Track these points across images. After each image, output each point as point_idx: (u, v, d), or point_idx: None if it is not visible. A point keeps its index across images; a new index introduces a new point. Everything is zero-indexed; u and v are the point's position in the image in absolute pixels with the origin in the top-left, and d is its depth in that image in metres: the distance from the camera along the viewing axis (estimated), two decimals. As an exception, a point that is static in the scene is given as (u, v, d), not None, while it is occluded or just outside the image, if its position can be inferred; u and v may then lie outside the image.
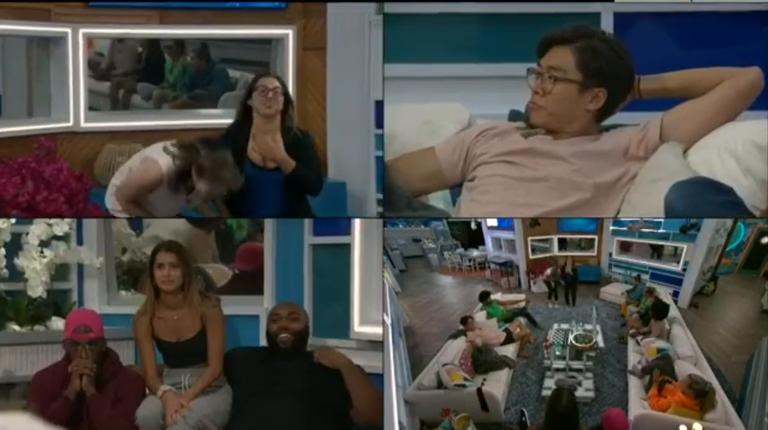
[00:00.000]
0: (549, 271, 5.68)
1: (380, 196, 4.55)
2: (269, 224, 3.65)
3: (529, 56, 2.72)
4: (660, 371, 3.36)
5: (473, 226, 6.35)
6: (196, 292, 3.18)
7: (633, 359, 3.86)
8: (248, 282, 3.93)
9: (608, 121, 2.79)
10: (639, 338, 4.08)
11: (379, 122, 4.51)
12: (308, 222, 3.56)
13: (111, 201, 3.34)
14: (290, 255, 3.56)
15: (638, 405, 3.24)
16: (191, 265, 3.21)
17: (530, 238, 5.74)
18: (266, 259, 3.64)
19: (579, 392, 3.64)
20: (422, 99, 3.06)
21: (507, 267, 5.99)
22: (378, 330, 3.16)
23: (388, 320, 3.21)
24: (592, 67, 2.64)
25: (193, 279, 3.21)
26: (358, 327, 3.29)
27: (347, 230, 3.37)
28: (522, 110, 2.94)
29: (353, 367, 3.01)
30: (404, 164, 2.87)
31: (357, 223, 3.37)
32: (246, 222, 4.43)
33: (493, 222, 5.97)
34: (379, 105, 4.47)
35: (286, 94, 3.34)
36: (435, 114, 2.97)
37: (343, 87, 4.70)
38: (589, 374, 3.90)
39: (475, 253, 6.45)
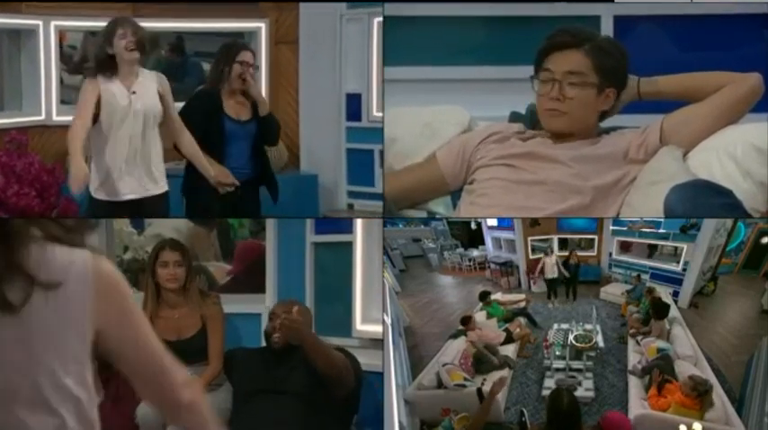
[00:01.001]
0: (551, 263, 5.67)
1: (352, 188, 4.59)
2: (271, 222, 3.67)
3: (529, 59, 2.71)
4: (660, 370, 3.36)
5: (473, 226, 6.35)
6: (197, 291, 3.19)
7: (633, 359, 3.86)
8: (248, 280, 3.94)
9: (607, 124, 2.79)
10: (639, 338, 4.08)
11: (351, 115, 4.56)
12: (309, 220, 3.58)
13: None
14: (292, 253, 3.57)
15: (638, 405, 3.25)
16: (192, 264, 3.22)
17: (530, 238, 5.74)
18: (268, 257, 3.65)
19: (579, 392, 3.65)
20: (422, 102, 3.05)
21: (507, 267, 5.98)
22: (379, 328, 3.17)
23: (388, 320, 3.22)
24: (606, 67, 2.64)
25: (194, 277, 3.22)
26: (360, 326, 3.30)
27: (349, 228, 3.38)
28: (523, 111, 2.94)
29: (313, 340, 2.96)
30: (407, 177, 2.87)
31: (359, 221, 3.39)
32: (248, 221, 4.43)
33: (493, 222, 5.97)
34: (351, 98, 4.53)
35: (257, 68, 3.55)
36: (435, 117, 2.97)
37: (314, 80, 4.75)
38: (589, 374, 3.90)
39: (475, 253, 6.44)
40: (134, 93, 3.17)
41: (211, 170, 3.38)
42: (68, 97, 4.46)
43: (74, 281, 1.20)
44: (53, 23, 4.38)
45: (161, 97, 3.23)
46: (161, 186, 3.27)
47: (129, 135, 3.16)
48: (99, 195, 3.23)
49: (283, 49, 4.82)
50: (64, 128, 4.26)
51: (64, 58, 4.61)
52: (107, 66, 3.15)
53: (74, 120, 3.16)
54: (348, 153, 4.73)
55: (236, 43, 3.72)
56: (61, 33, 4.53)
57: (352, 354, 3.04)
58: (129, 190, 3.20)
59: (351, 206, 4.72)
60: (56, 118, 4.44)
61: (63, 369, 1.19)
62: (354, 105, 4.71)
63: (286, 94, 4.85)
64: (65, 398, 1.19)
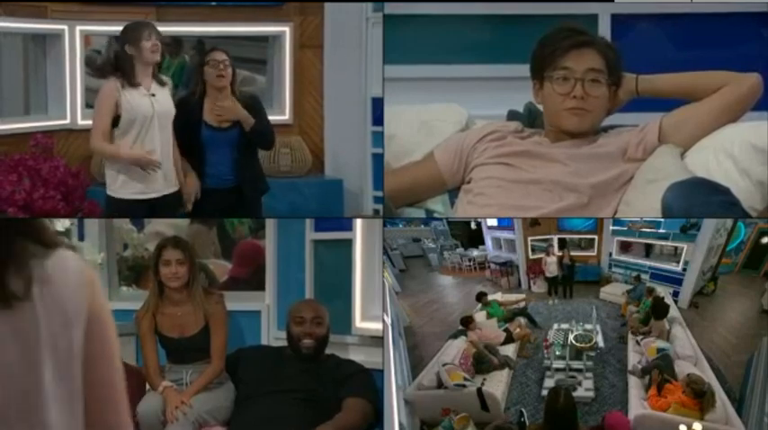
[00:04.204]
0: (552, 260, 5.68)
1: (377, 193, 4.57)
2: (271, 220, 3.68)
3: (527, 57, 2.71)
4: (660, 371, 3.36)
5: (473, 226, 6.35)
6: (200, 289, 3.19)
7: (633, 359, 3.86)
8: (247, 280, 3.94)
9: (605, 122, 2.79)
10: (639, 338, 4.07)
11: (376, 120, 4.52)
12: (309, 219, 3.59)
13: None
14: (292, 251, 3.58)
15: (638, 405, 3.24)
16: (195, 262, 3.22)
17: (530, 238, 5.74)
18: (268, 254, 3.65)
19: (579, 392, 3.65)
20: (420, 100, 3.06)
21: (507, 267, 5.98)
22: (379, 326, 3.17)
23: (388, 320, 3.22)
24: (613, 64, 2.66)
25: (197, 275, 3.23)
26: (359, 323, 3.30)
27: (349, 226, 3.39)
28: (521, 110, 2.94)
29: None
30: (405, 175, 2.88)
31: (359, 219, 3.40)
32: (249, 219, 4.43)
33: (493, 222, 5.97)
34: (376, 102, 4.48)
35: (232, 65, 3.51)
36: (433, 115, 2.97)
37: (339, 85, 4.72)
38: (589, 374, 3.89)
39: (475, 253, 6.44)
40: (153, 95, 3.30)
41: (183, 182, 3.43)
42: (93, 101, 4.50)
43: (69, 279, 1.18)
44: (78, 28, 4.42)
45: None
46: (175, 184, 3.39)
47: (150, 135, 3.28)
48: (117, 194, 3.33)
49: (308, 53, 4.82)
50: (89, 132, 4.36)
51: (88, 61, 4.65)
52: (125, 65, 3.26)
53: (94, 131, 3.30)
54: (374, 158, 4.64)
55: (206, 47, 3.69)
56: (86, 38, 4.56)
57: (375, 398, 3.01)
58: (149, 189, 3.32)
59: (377, 212, 4.61)
60: (81, 122, 4.46)
61: (58, 371, 1.14)
62: (380, 109, 4.66)
63: (311, 98, 4.85)
64: (59, 399, 1.14)
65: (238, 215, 4.00)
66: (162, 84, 3.34)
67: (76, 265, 1.21)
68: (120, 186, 3.30)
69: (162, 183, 3.34)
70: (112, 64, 3.31)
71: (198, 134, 3.46)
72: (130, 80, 3.26)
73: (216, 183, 3.50)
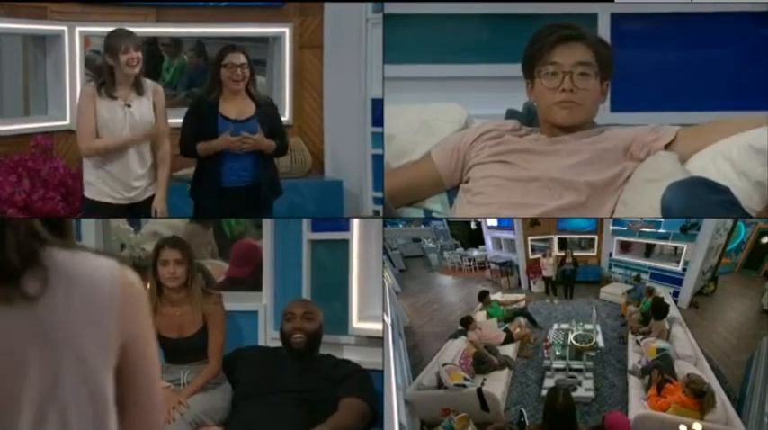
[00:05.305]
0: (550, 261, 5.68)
1: (377, 194, 4.57)
2: (267, 219, 3.67)
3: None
4: (660, 371, 3.36)
5: (473, 225, 6.35)
6: (198, 289, 3.19)
7: (633, 359, 3.85)
8: (245, 280, 3.93)
9: (608, 121, 2.78)
10: (639, 338, 4.07)
11: (376, 120, 4.52)
12: (306, 219, 3.59)
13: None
14: (289, 251, 3.57)
15: (638, 405, 3.24)
16: (194, 262, 3.22)
17: (529, 238, 5.74)
18: (265, 254, 3.65)
19: (579, 392, 3.65)
20: (420, 99, 3.06)
21: (507, 267, 5.98)
22: (376, 326, 3.17)
23: (389, 320, 3.22)
24: (605, 59, 2.66)
25: (196, 275, 3.23)
26: (356, 323, 3.31)
27: (346, 226, 3.39)
28: (520, 109, 2.94)
29: None
30: (403, 175, 2.87)
31: (355, 219, 3.40)
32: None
33: (493, 222, 5.97)
34: (376, 103, 4.48)
35: (250, 66, 3.49)
36: (432, 114, 2.97)
37: (339, 85, 4.70)
38: (589, 374, 3.89)
39: (475, 253, 6.45)
40: (128, 106, 3.30)
41: (162, 193, 3.41)
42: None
43: (100, 286, 1.15)
44: (78, 29, 4.42)
45: (154, 107, 3.36)
46: (148, 191, 3.39)
47: (121, 146, 3.30)
48: (92, 195, 3.36)
49: (308, 53, 4.81)
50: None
51: (88, 62, 4.66)
52: (106, 76, 3.28)
53: (80, 134, 3.32)
54: (374, 159, 4.61)
55: (224, 47, 3.60)
56: (86, 39, 4.56)
57: (372, 398, 3.02)
58: (118, 194, 3.34)
59: (377, 212, 4.58)
60: (80, 122, 4.47)
61: (81, 371, 1.12)
62: (380, 110, 4.64)
63: (310, 98, 4.84)
64: (79, 401, 1.12)
65: (246, 215, 3.99)
66: (140, 93, 3.33)
67: (109, 274, 1.16)
68: (96, 189, 3.33)
69: (136, 190, 3.35)
70: (96, 74, 3.34)
71: (214, 126, 3.44)
72: (108, 90, 3.28)
73: (233, 181, 3.48)
